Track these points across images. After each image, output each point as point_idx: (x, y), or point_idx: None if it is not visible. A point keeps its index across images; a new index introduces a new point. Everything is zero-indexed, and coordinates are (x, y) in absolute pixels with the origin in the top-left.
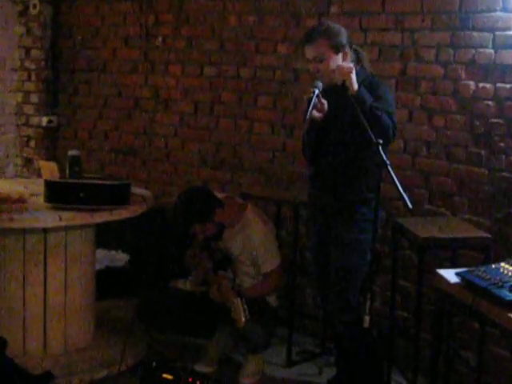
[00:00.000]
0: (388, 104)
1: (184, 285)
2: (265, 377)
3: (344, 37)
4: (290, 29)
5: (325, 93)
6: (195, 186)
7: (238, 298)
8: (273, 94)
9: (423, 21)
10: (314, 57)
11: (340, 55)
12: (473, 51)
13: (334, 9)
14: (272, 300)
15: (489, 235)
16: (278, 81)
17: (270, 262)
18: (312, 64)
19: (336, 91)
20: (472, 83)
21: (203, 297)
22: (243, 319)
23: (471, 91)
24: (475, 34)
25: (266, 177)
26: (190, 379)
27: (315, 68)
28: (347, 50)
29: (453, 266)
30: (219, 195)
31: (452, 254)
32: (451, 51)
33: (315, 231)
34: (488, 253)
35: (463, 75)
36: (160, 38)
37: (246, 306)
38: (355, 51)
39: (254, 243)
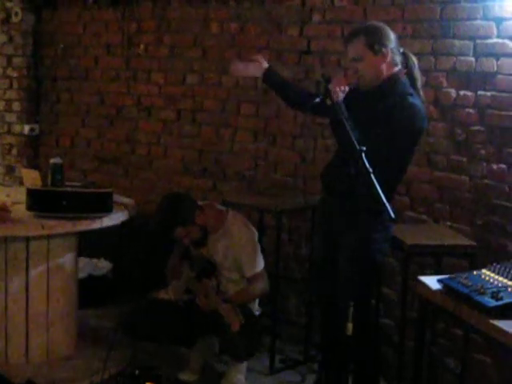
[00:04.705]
0: (390, 145)
1: (166, 294)
2: None
3: (385, 37)
4: (272, 37)
5: (353, 93)
6: (172, 194)
7: (228, 304)
8: (255, 101)
9: (404, 29)
10: (353, 57)
11: (379, 56)
12: (454, 59)
13: (316, 17)
14: (255, 307)
15: (474, 243)
16: (261, 89)
17: (254, 266)
18: (352, 64)
19: (368, 96)
20: (453, 91)
21: (187, 306)
22: (238, 322)
23: (452, 99)
24: (456, 41)
25: (248, 185)
26: None
27: (354, 68)
28: (388, 51)
29: (436, 273)
30: (199, 202)
31: (435, 261)
32: (432, 59)
33: (321, 237)
34: (473, 260)
35: (444, 83)
36: (142, 46)
37: (238, 309)
38: (404, 56)
39: (236, 248)
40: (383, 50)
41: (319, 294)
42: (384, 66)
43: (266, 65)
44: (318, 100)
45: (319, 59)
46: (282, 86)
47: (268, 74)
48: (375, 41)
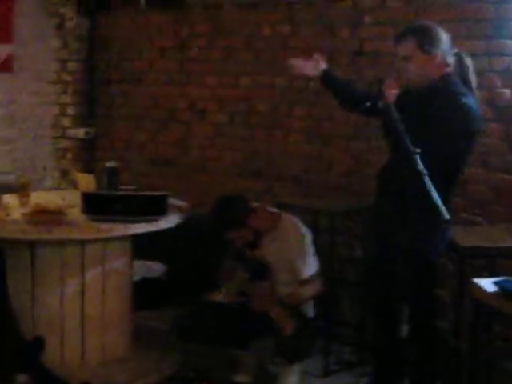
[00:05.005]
0: (444, 146)
1: (219, 297)
2: None
3: (435, 37)
4: (324, 38)
5: (405, 95)
6: (226, 196)
7: (281, 307)
8: (308, 103)
9: (458, 29)
10: (403, 56)
11: (429, 56)
12: (508, 59)
13: (367, 18)
14: (309, 309)
15: None
16: (313, 90)
17: (307, 268)
18: (401, 63)
19: (420, 97)
20: (508, 91)
21: (240, 308)
22: (290, 326)
23: (507, 99)
24: (510, 42)
25: (301, 186)
26: None
27: (402, 67)
28: (439, 52)
29: (490, 275)
30: (254, 204)
31: (489, 263)
32: (486, 59)
33: (374, 237)
34: None
35: (499, 83)
36: (195, 49)
37: (290, 312)
38: (458, 57)
39: (290, 250)
40: (433, 50)
41: (371, 295)
42: (434, 66)
43: (324, 66)
44: (368, 104)
45: (371, 60)
46: (337, 88)
47: (325, 75)
48: (425, 41)
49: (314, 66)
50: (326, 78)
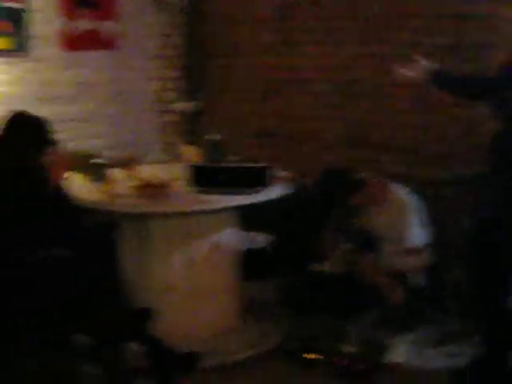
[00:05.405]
0: None
1: (324, 267)
2: (410, 357)
3: None
4: (427, 2)
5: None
6: (333, 167)
7: (389, 276)
8: None
9: None
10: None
11: None
12: None
13: None
14: (417, 280)
15: None
16: None
17: (414, 238)
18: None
19: None
20: None
21: (346, 278)
22: (399, 295)
23: None
24: None
25: (408, 156)
26: (335, 359)
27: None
28: None
29: None
30: (361, 175)
31: None
32: None
33: (481, 206)
34: None
35: None
36: (296, 19)
37: (398, 282)
38: None
39: (397, 221)
40: None
41: (477, 265)
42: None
43: (427, 64)
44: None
45: (478, 24)
46: (449, 84)
47: (436, 75)
48: None
49: (417, 68)
50: (437, 76)
